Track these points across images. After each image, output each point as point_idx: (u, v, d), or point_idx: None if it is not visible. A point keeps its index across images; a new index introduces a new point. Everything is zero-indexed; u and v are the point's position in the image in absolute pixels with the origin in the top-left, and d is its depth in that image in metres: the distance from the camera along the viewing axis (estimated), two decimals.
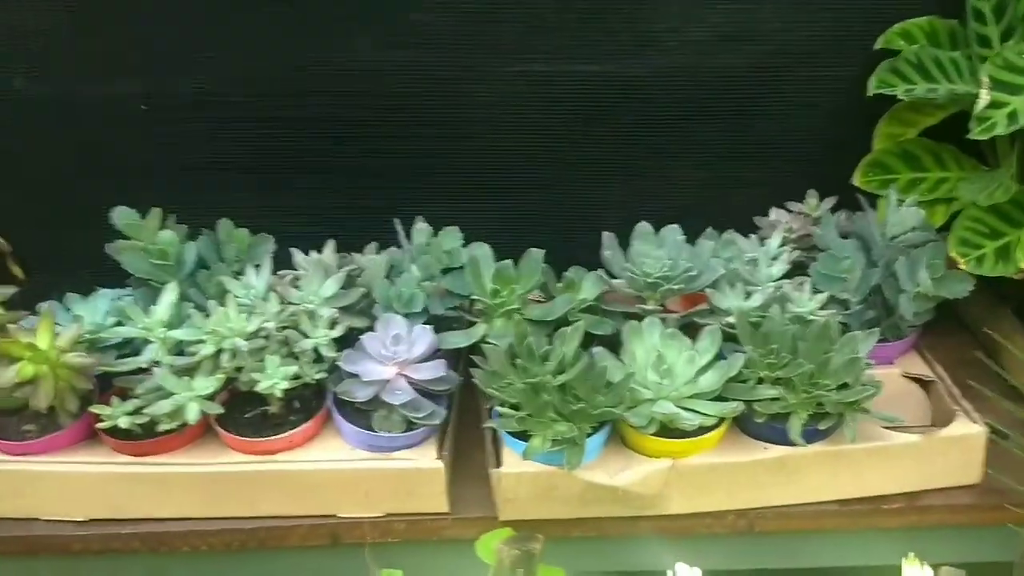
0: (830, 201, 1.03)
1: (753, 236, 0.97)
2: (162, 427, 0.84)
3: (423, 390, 0.87)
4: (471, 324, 0.91)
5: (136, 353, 0.88)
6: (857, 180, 1.00)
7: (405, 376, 0.86)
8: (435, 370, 0.86)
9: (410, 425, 0.86)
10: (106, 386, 0.89)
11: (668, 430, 0.83)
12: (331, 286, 0.90)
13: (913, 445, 0.84)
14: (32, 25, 0.99)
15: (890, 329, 0.93)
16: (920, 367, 0.95)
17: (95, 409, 0.84)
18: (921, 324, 0.94)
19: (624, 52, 1.02)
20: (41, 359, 0.81)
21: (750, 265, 0.92)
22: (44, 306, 0.91)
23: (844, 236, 0.96)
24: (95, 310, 0.93)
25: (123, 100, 1.03)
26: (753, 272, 0.91)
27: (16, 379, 0.81)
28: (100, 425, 0.84)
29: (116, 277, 0.95)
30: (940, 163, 0.98)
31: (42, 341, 0.81)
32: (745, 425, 0.86)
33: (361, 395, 0.85)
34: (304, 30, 1.01)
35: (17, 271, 1.09)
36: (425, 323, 0.89)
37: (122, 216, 0.92)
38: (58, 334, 0.84)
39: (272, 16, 1.00)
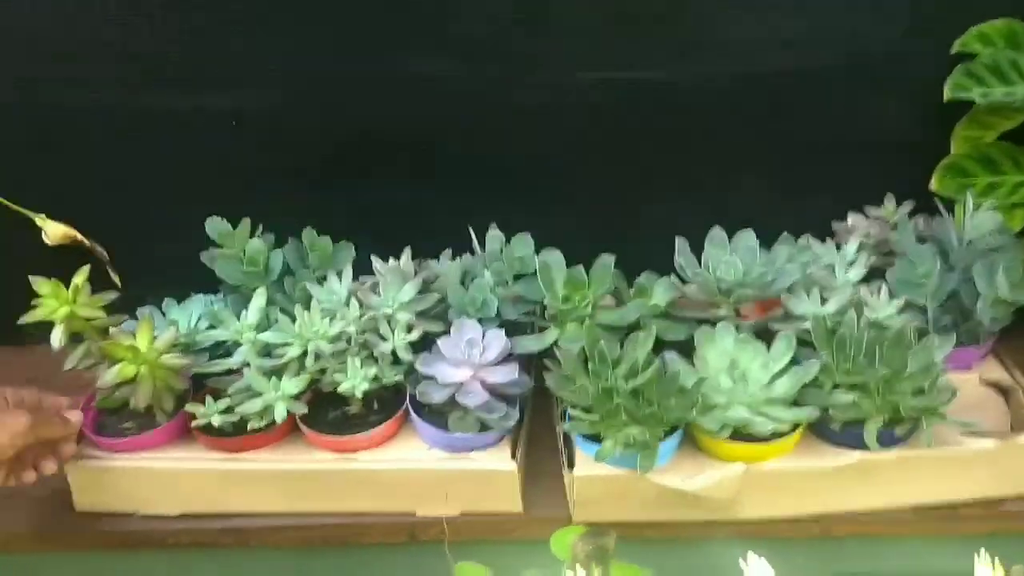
0: (908, 205, 1.02)
1: (830, 241, 0.97)
2: (252, 425, 0.88)
3: (497, 393, 0.89)
4: (543, 329, 0.93)
5: (227, 355, 0.92)
6: (934, 184, 0.98)
7: (479, 379, 0.88)
8: (508, 373, 0.88)
9: (484, 426, 0.89)
10: (198, 386, 0.94)
11: (742, 435, 0.83)
12: (408, 292, 0.93)
13: (991, 451, 0.83)
14: (130, 44, 1.04)
15: (968, 335, 0.92)
16: (999, 373, 0.94)
17: (190, 408, 0.88)
18: (999, 329, 0.93)
19: (700, 58, 1.02)
20: (140, 360, 0.86)
21: (826, 270, 0.92)
22: (143, 311, 0.96)
23: (921, 240, 0.95)
24: (189, 315, 0.98)
25: (213, 114, 1.08)
26: (829, 277, 0.91)
27: (117, 379, 0.85)
28: (195, 423, 0.89)
29: (207, 284, 1.00)
30: (1018, 167, 0.96)
31: (142, 343, 0.86)
32: (820, 430, 0.86)
33: (437, 397, 0.88)
34: (382, 43, 1.04)
35: (115, 278, 1.15)
36: (498, 328, 0.91)
37: (214, 226, 0.97)
38: (156, 337, 0.88)
39: (352, 27, 1.03)
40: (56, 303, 0.84)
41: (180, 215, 1.10)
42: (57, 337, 0.85)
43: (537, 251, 0.96)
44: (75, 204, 1.12)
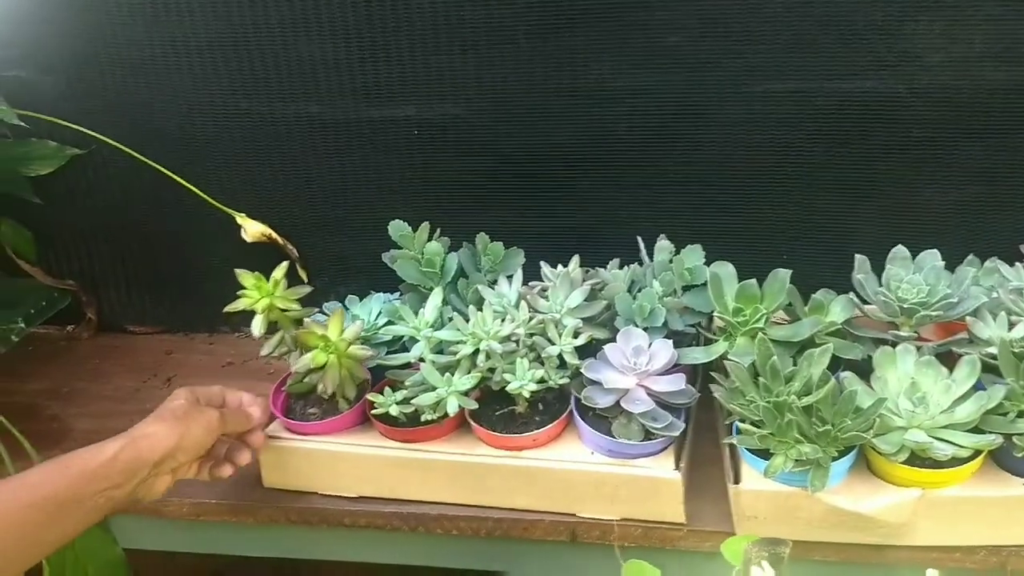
0: None
1: (1019, 264, 0.92)
2: (425, 417, 0.92)
3: (662, 402, 0.90)
4: (709, 341, 0.93)
5: (404, 350, 0.97)
6: None
7: (644, 387, 0.89)
8: (674, 383, 0.89)
9: (648, 435, 0.90)
10: (377, 378, 0.99)
11: (918, 459, 0.81)
12: (576, 298, 0.95)
13: None
14: (326, 60, 1.12)
15: None
16: None
17: (371, 397, 0.94)
18: None
19: (880, 69, 1.00)
20: (331, 349, 0.92)
21: (1014, 294, 0.88)
22: (331, 305, 1.03)
23: None
24: (369, 311, 1.04)
25: (398, 124, 1.14)
26: (1018, 301, 0.87)
27: (310, 365, 0.92)
28: (373, 412, 0.94)
29: (388, 283, 1.05)
30: None
31: (333, 333, 0.92)
32: (1002, 459, 0.82)
33: (602, 402, 0.90)
34: (554, 58, 1.07)
35: (302, 275, 1.23)
36: (664, 338, 0.92)
37: (396, 228, 1.02)
38: (344, 329, 0.94)
39: (525, 45, 1.06)
40: (258, 294, 0.91)
41: (366, 218, 1.17)
42: (257, 326, 0.92)
43: (707, 263, 0.96)
44: (271, 204, 1.22)
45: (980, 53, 0.98)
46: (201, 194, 1.17)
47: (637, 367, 0.89)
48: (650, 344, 0.91)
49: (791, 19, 0.99)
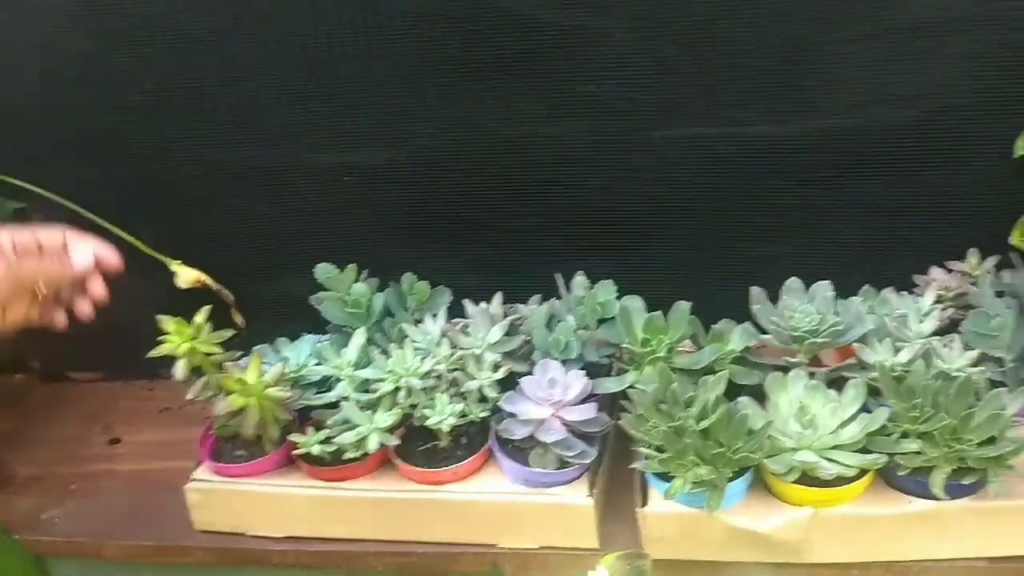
0: (992, 260, 1.02)
1: (904, 293, 0.98)
2: (348, 455, 0.95)
3: (576, 431, 0.94)
4: (623, 371, 0.97)
5: (331, 390, 1.01)
6: (1014, 239, 0.98)
7: (559, 417, 0.93)
8: (587, 412, 0.93)
9: (563, 463, 0.94)
10: (307, 419, 1.02)
11: (810, 479, 0.85)
12: (496, 333, 0.99)
13: None
14: (253, 103, 1.15)
15: None
16: None
17: (293, 437, 0.97)
18: None
19: (784, 113, 1.05)
20: (249, 392, 0.95)
21: (899, 321, 0.93)
22: (257, 348, 1.06)
23: (1000, 294, 0.95)
24: (300, 352, 1.08)
25: (329, 169, 1.18)
26: (902, 328, 0.93)
27: (228, 409, 0.95)
28: (296, 452, 0.97)
29: (322, 323, 1.08)
30: None
31: (251, 377, 0.95)
32: (891, 478, 0.87)
33: (519, 433, 0.93)
34: (474, 105, 1.11)
35: (238, 318, 1.26)
36: (580, 369, 0.96)
37: (323, 271, 1.06)
38: (265, 372, 0.97)
39: (448, 94, 1.11)
40: (179, 339, 0.94)
41: (301, 261, 1.21)
42: (179, 370, 0.95)
43: (620, 298, 1.00)
44: (207, 250, 1.24)
45: (870, 96, 1.03)
46: (135, 241, 1.20)
47: (552, 398, 0.93)
48: (565, 375, 0.95)
49: (690, 68, 1.04)
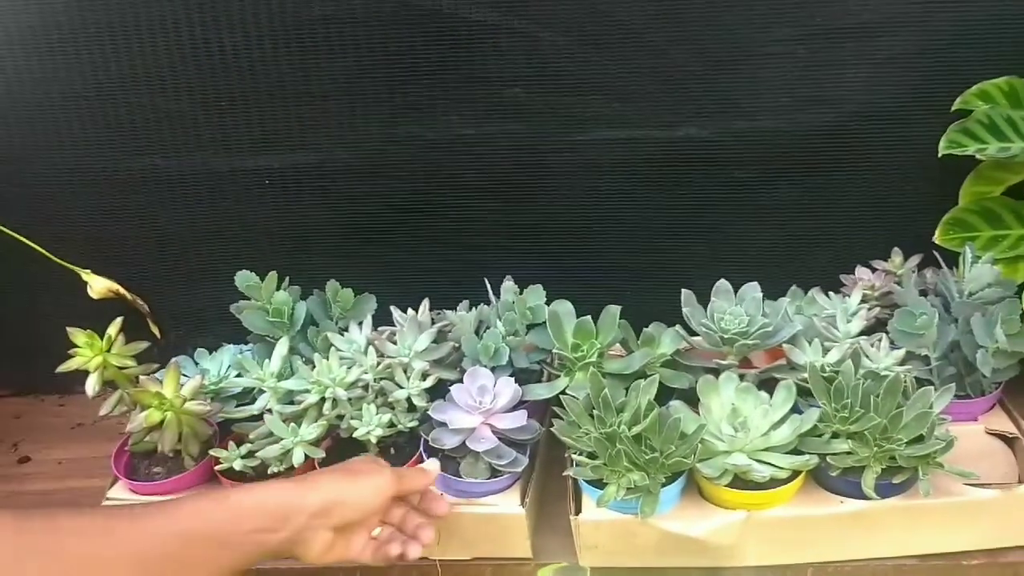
0: (915, 259, 1.04)
1: (831, 294, 0.99)
2: (272, 469, 0.92)
3: (506, 439, 0.92)
4: (554, 377, 0.96)
5: (253, 402, 0.97)
6: (937, 238, 1.00)
7: (490, 425, 0.91)
8: (517, 420, 0.91)
9: (495, 472, 0.92)
10: (227, 433, 0.98)
11: (743, 482, 0.85)
12: (423, 341, 0.97)
13: (994, 501, 0.83)
14: (167, 109, 1.11)
15: (973, 386, 0.93)
16: (1005, 424, 0.93)
17: (214, 452, 0.93)
18: (1006, 381, 0.93)
19: (705, 117, 1.06)
20: (166, 406, 0.91)
21: (828, 321, 0.94)
22: (173, 361, 1.01)
23: (924, 293, 0.96)
24: (219, 363, 1.04)
25: (248, 174, 1.14)
26: (831, 328, 0.93)
27: (145, 424, 0.90)
28: (218, 467, 0.93)
29: (242, 334, 1.04)
30: (1021, 220, 0.97)
31: (168, 390, 0.91)
32: (822, 479, 0.87)
33: (449, 442, 0.91)
34: (402, 108, 1.09)
35: (154, 330, 1.21)
36: (511, 375, 0.94)
37: (243, 279, 1.02)
38: (183, 384, 0.93)
39: (374, 97, 1.09)
40: (90, 353, 0.89)
41: (219, 269, 1.17)
42: (91, 385, 0.91)
43: (549, 302, 0.99)
44: (121, 259, 1.20)
45: (794, 98, 1.05)
46: (44, 252, 1.15)
47: (482, 406, 0.91)
48: (495, 383, 0.93)
49: (618, 71, 1.04)
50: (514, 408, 0.92)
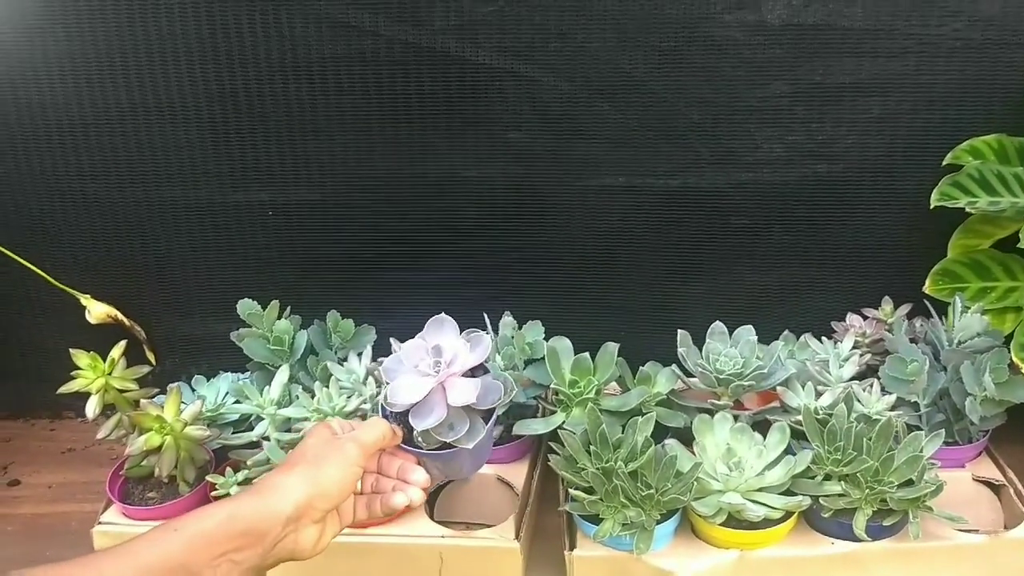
0: (906, 307, 1.06)
1: (824, 339, 1.01)
2: None
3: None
4: (550, 412, 0.97)
5: (251, 429, 0.97)
6: (927, 288, 1.02)
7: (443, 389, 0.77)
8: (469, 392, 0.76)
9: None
10: (223, 459, 0.98)
11: (736, 521, 0.86)
12: None
13: (982, 546, 0.85)
14: (176, 141, 1.13)
15: (961, 433, 0.95)
16: (991, 471, 0.95)
17: (210, 478, 0.93)
18: (993, 429, 0.95)
19: (699, 166, 1.09)
20: (166, 430, 0.91)
21: (820, 366, 0.96)
22: (174, 385, 1.02)
23: (914, 341, 0.98)
24: (217, 390, 1.04)
25: (252, 207, 1.16)
26: (823, 373, 0.95)
27: (144, 447, 0.90)
28: (214, 493, 0.93)
29: (240, 361, 1.05)
30: (1009, 273, 1.01)
31: (169, 414, 0.91)
32: (813, 520, 0.88)
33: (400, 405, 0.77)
34: (406, 147, 1.11)
35: (150, 356, 1.22)
36: (508, 411, 0.95)
37: (245, 307, 1.03)
38: (183, 410, 0.94)
39: (379, 136, 1.11)
40: (92, 375, 0.90)
41: (218, 298, 1.17)
42: (91, 407, 0.91)
43: (547, 338, 1.00)
44: (119, 285, 1.20)
45: (791, 150, 1.08)
46: (44, 275, 1.15)
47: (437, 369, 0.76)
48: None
49: (617, 119, 1.07)
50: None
